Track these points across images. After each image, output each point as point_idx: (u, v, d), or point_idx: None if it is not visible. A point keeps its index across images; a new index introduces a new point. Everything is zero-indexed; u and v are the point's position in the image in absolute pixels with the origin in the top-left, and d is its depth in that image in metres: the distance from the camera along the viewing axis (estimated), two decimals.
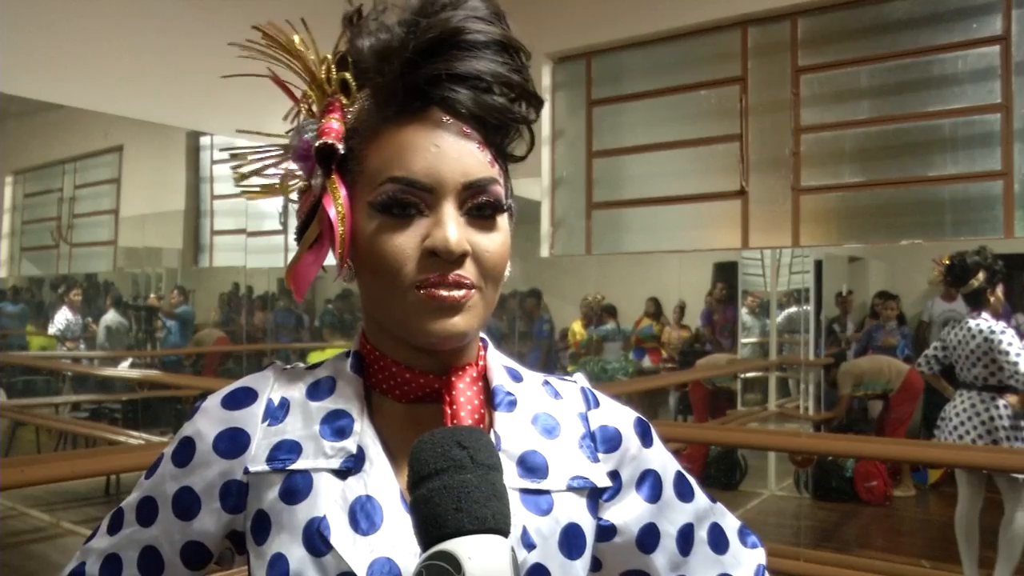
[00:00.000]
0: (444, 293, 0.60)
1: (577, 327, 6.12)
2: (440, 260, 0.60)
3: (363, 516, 0.60)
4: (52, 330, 4.34)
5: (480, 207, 0.62)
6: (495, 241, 0.63)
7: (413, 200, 0.60)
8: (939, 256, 3.77)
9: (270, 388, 0.67)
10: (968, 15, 3.69)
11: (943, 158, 3.76)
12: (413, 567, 0.55)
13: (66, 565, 0.72)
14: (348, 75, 0.63)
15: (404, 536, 0.59)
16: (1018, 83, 3.56)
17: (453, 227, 0.60)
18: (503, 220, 0.64)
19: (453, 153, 0.61)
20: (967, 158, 3.70)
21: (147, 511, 0.68)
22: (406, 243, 0.60)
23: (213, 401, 0.67)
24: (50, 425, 4.53)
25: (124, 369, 4.65)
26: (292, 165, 0.66)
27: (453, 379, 0.65)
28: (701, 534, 0.73)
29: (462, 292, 0.60)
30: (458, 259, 0.60)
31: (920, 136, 3.82)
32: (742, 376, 5.67)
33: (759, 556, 0.77)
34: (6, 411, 4.19)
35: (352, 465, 0.62)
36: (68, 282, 4.39)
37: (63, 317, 4.35)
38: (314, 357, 4.84)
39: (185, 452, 0.66)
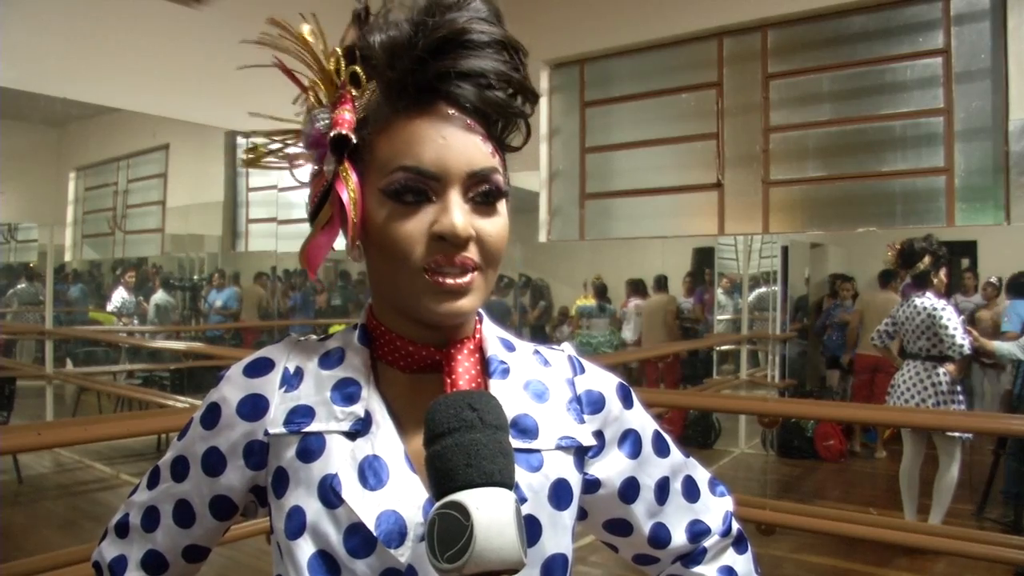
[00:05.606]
0: (450, 281, 0.62)
1: (581, 302, 6.41)
2: (447, 244, 0.61)
3: (371, 473, 0.63)
4: (109, 307, 4.62)
5: (483, 194, 0.64)
6: (496, 225, 0.65)
7: (422, 187, 0.62)
8: (892, 242, 4.04)
9: (286, 358, 0.70)
10: (914, 30, 3.97)
11: (894, 155, 4.02)
12: (416, 519, 0.61)
13: (113, 517, 0.78)
14: (358, 68, 0.65)
15: (408, 491, 0.62)
16: (958, 90, 3.84)
17: (459, 213, 0.62)
18: (503, 206, 0.66)
19: (459, 144, 0.62)
20: (915, 156, 3.96)
21: (180, 469, 0.72)
22: (415, 229, 0.62)
23: (236, 370, 0.70)
24: (109, 390, 4.81)
25: (171, 341, 4.94)
26: (301, 148, 0.69)
27: (452, 351, 0.67)
28: (676, 486, 0.78)
29: (467, 278, 0.63)
30: (463, 243, 0.62)
31: (874, 136, 4.07)
32: (717, 348, 5.95)
33: (727, 503, 0.82)
34: (72, 378, 4.54)
35: (360, 428, 0.65)
36: (123, 265, 4.69)
37: (119, 296, 4.67)
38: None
39: (212, 416, 0.69)
